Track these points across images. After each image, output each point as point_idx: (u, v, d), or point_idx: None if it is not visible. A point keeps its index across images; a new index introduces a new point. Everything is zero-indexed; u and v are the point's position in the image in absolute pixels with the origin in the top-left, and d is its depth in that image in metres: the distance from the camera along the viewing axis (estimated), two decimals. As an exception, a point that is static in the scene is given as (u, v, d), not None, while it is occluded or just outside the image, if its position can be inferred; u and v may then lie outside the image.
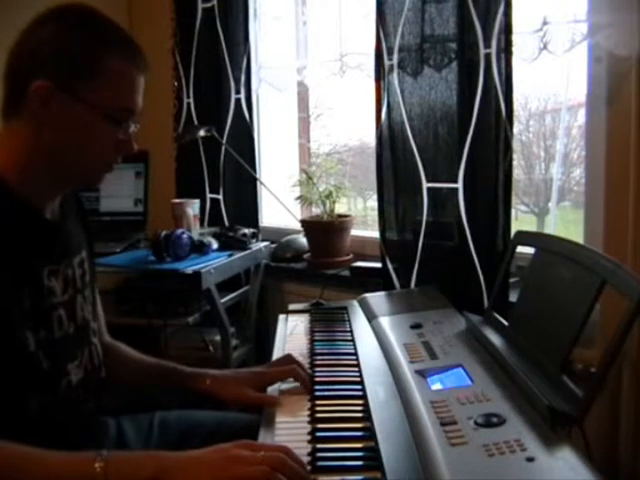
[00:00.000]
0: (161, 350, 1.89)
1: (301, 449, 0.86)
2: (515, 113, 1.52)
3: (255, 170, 2.18)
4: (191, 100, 2.33)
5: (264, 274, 2.13)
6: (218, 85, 2.23)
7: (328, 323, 1.43)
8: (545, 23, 1.47)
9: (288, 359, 1.16)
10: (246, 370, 1.20)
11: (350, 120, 2.28)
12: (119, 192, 2.28)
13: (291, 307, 1.56)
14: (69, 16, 0.94)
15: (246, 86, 2.17)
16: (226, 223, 2.27)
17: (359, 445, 0.89)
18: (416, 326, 1.28)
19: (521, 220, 1.99)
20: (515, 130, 1.51)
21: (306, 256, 2.06)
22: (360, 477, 0.81)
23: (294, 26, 2.18)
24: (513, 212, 1.53)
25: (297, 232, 2.16)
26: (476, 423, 0.85)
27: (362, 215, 2.35)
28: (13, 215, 0.92)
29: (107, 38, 0.95)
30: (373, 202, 2.02)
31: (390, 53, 1.70)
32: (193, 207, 2.05)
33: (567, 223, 1.87)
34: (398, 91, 1.68)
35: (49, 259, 0.97)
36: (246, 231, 2.06)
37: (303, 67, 2.11)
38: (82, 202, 1.17)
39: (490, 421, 0.85)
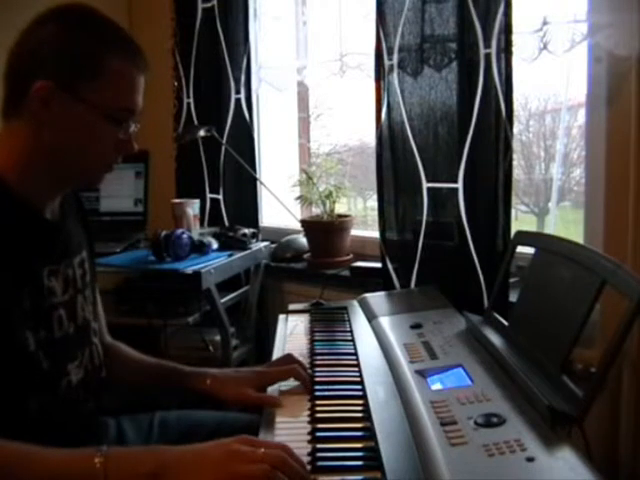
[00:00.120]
0: (161, 350, 1.89)
1: (301, 449, 0.86)
2: (515, 113, 1.52)
3: (255, 170, 2.18)
4: (191, 100, 2.33)
5: (264, 274, 2.13)
6: (218, 85, 2.23)
7: (328, 323, 1.43)
8: (545, 23, 1.47)
9: (289, 359, 1.16)
10: (246, 369, 1.20)
11: (350, 120, 2.28)
12: (119, 192, 2.28)
13: (291, 307, 1.56)
14: (69, 16, 0.94)
15: (246, 86, 2.17)
16: (226, 223, 2.27)
17: (359, 445, 0.89)
18: (416, 326, 1.29)
19: (521, 220, 1.99)
20: (515, 130, 1.51)
21: (306, 256, 2.06)
22: (360, 477, 0.81)
23: (294, 26, 2.18)
24: (513, 212, 1.53)
25: (297, 232, 2.16)
26: (476, 423, 0.85)
27: (362, 215, 2.35)
28: (13, 215, 0.92)
29: (107, 38, 0.95)
30: (373, 202, 2.02)
31: (390, 53, 1.70)
32: (193, 207, 2.05)
33: (567, 223, 1.87)
34: (398, 91, 1.68)
35: (49, 259, 0.97)
36: (246, 231, 2.06)
37: (303, 67, 2.11)
38: (82, 202, 1.17)
39: (490, 421, 0.85)
